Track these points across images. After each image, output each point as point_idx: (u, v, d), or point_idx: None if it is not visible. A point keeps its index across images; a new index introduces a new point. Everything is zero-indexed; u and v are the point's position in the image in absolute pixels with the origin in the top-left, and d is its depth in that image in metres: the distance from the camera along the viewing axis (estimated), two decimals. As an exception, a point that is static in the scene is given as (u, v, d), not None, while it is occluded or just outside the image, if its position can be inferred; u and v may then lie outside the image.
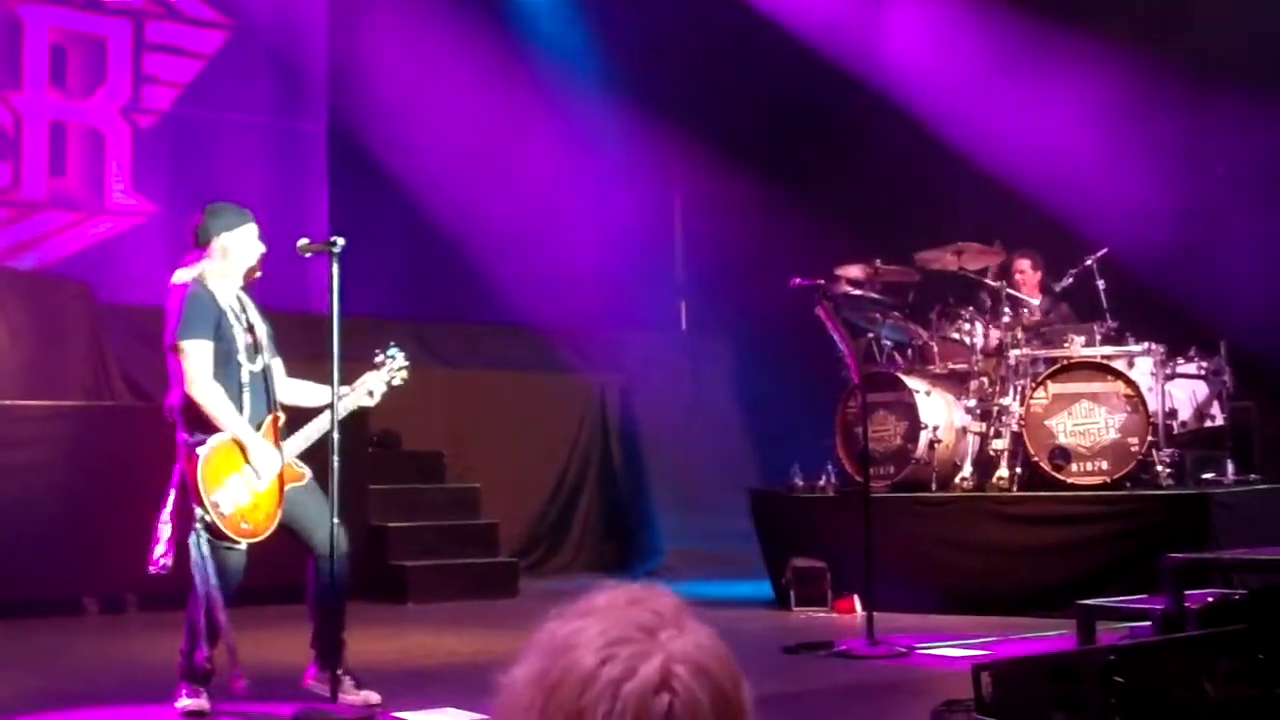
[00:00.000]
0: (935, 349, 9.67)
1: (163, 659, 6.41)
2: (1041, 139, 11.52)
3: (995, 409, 9.35)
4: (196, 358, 5.83)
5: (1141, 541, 8.24)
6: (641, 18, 12.81)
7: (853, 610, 8.86)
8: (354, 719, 5.85)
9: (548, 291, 12.72)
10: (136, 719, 6.09)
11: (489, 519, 11.00)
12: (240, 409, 5.90)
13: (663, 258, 14.14)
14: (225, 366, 5.90)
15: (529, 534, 12.01)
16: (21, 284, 10.62)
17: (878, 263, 9.53)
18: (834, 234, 11.69)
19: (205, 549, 5.72)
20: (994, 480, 9.20)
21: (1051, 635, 7.45)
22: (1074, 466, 8.89)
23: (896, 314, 9.68)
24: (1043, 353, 9.33)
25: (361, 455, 9.71)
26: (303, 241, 6.04)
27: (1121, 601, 6.62)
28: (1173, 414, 9.05)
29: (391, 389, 6.35)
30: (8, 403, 9.56)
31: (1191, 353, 9.33)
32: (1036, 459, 8.97)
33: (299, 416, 6.12)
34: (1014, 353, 9.33)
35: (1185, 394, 9.22)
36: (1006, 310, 9.43)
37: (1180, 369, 9.23)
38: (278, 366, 6.21)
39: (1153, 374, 9.00)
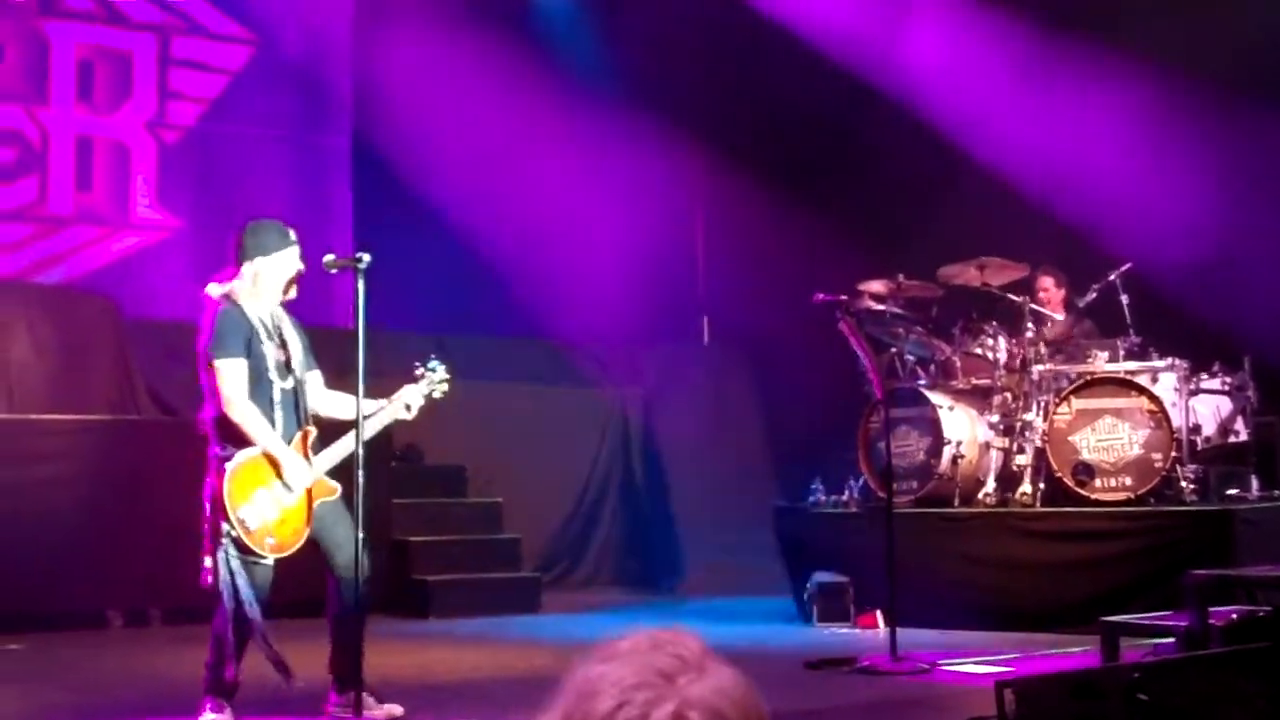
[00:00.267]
0: (958, 364, 9.66)
1: (187, 673, 6.43)
2: (1065, 153, 11.49)
3: (1018, 424, 9.33)
4: (231, 377, 5.84)
5: (1165, 558, 8.21)
6: (663, 33, 12.83)
7: (875, 626, 8.86)
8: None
9: (570, 305, 12.74)
10: (160, 733, 6.12)
11: (511, 534, 11.02)
12: (272, 426, 5.91)
13: (685, 272, 14.14)
14: (256, 385, 5.90)
15: (551, 548, 12.02)
16: (47, 298, 10.68)
17: (900, 278, 9.53)
18: (857, 249, 11.68)
19: (234, 564, 5.74)
20: (1017, 496, 9.18)
21: (1075, 652, 7.42)
22: (1097, 482, 8.87)
23: (919, 329, 9.67)
24: (1066, 368, 9.31)
25: (384, 470, 9.73)
26: (329, 257, 6.04)
27: (1145, 618, 6.59)
28: (1196, 430, 9.02)
29: (430, 402, 6.34)
30: (33, 417, 9.62)
31: (1215, 368, 9.30)
32: (1060, 474, 8.95)
33: (333, 429, 6.10)
34: (1037, 368, 9.31)
35: (1209, 410, 9.19)
36: (1030, 325, 9.42)
37: (1204, 384, 9.20)
38: (315, 379, 6.21)
39: (1176, 389, 8.97)
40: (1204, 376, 9.22)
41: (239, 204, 10.73)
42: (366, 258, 5.87)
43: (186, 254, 11.65)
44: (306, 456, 6.00)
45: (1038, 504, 9.07)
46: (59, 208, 11.49)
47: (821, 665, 7.48)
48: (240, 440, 5.84)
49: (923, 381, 9.70)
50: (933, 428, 9.30)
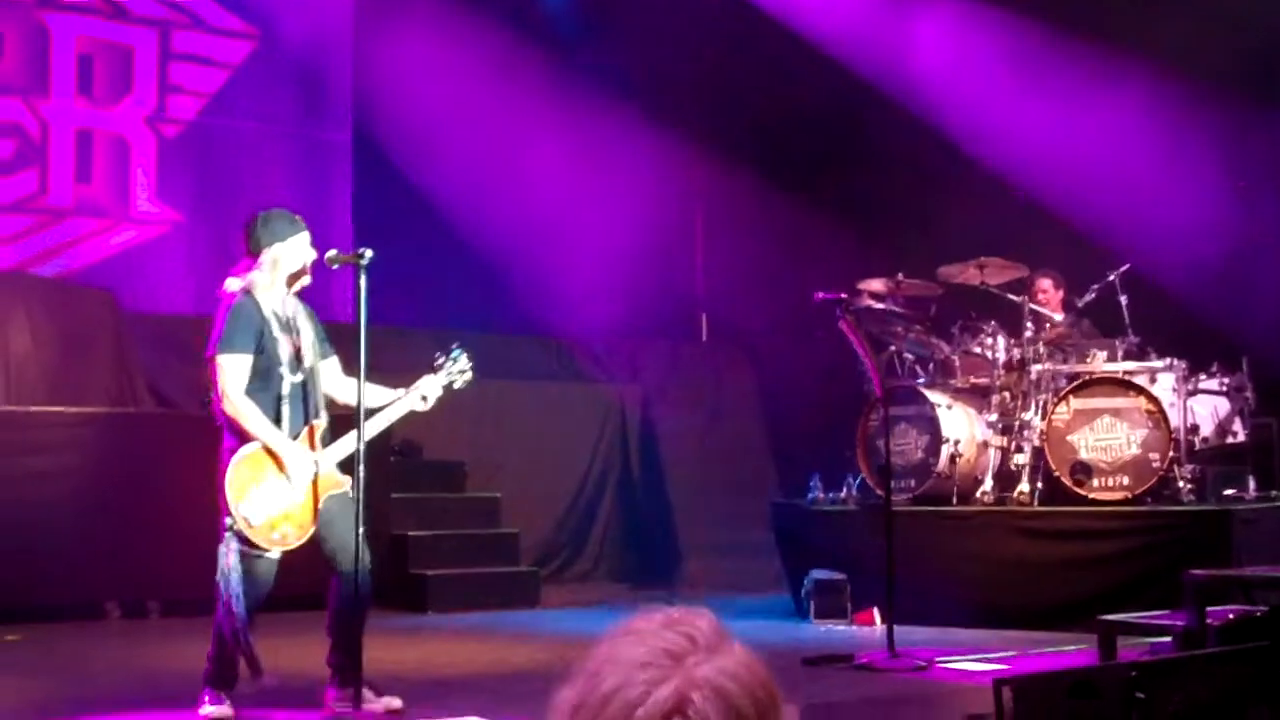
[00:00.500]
0: (957, 363, 9.67)
1: (185, 664, 6.44)
2: (1065, 154, 11.50)
3: (1017, 423, 9.34)
4: (230, 372, 5.84)
5: (1163, 557, 8.23)
6: (665, 31, 12.84)
7: (873, 623, 8.87)
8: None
9: (569, 302, 12.75)
10: (159, 725, 6.12)
11: (509, 528, 11.02)
12: (279, 420, 5.89)
13: (684, 268, 14.15)
14: (266, 379, 5.89)
15: (549, 543, 12.01)
16: (47, 291, 10.68)
17: (900, 276, 9.54)
18: (856, 247, 11.69)
19: (233, 557, 5.75)
20: (1015, 495, 9.19)
21: (1072, 650, 7.43)
22: (1095, 482, 8.88)
23: (918, 328, 9.68)
24: (1065, 368, 9.33)
25: (383, 464, 9.74)
26: (331, 253, 6.03)
27: (1143, 617, 6.60)
28: (1194, 430, 9.03)
29: (449, 393, 6.32)
30: (32, 409, 9.62)
31: (1214, 368, 9.31)
32: (1058, 474, 8.96)
33: (346, 421, 6.06)
34: (1036, 367, 9.32)
35: (1207, 410, 9.20)
36: (1028, 325, 9.43)
37: (1202, 385, 9.21)
38: (332, 366, 6.20)
39: (1175, 390, 8.98)
40: (1202, 377, 9.23)
41: (239, 199, 10.74)
42: (369, 253, 5.85)
43: (186, 248, 11.68)
44: (314, 449, 5.99)
45: (1035, 503, 9.08)
46: (59, 200, 11.50)
47: (819, 662, 7.48)
48: (248, 434, 5.85)
49: (921, 380, 9.72)
50: (931, 426, 9.31)
